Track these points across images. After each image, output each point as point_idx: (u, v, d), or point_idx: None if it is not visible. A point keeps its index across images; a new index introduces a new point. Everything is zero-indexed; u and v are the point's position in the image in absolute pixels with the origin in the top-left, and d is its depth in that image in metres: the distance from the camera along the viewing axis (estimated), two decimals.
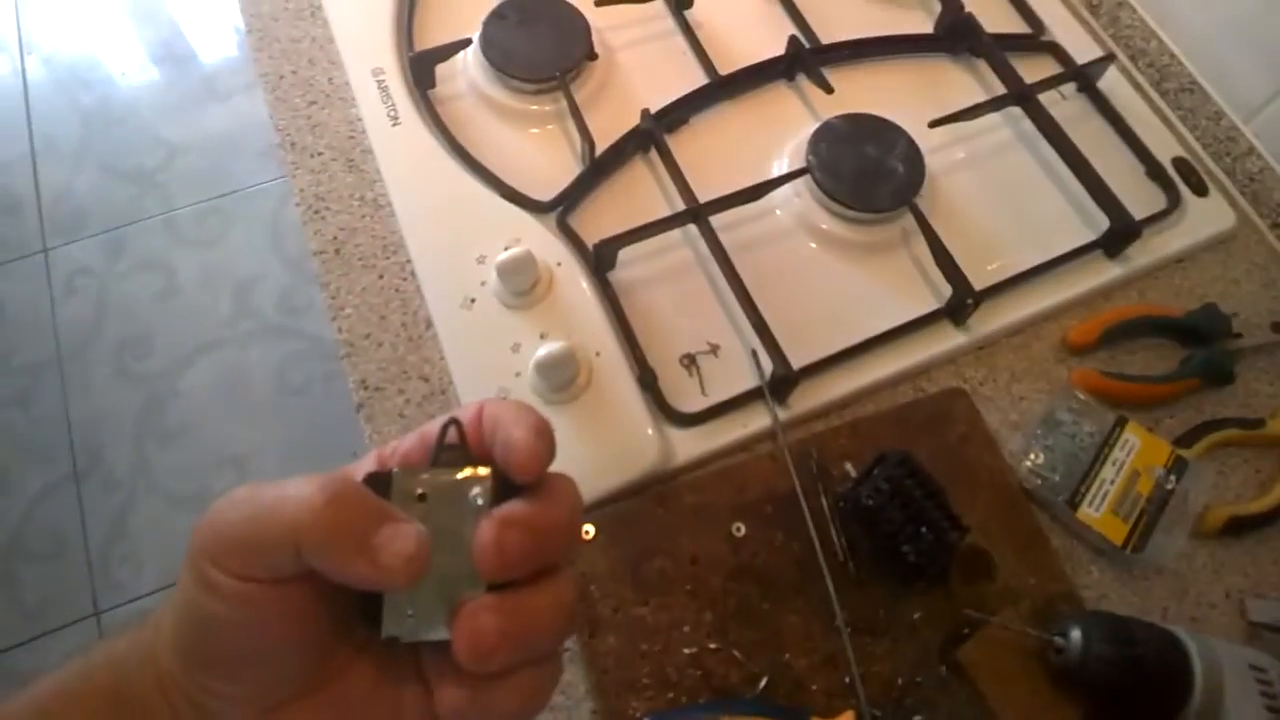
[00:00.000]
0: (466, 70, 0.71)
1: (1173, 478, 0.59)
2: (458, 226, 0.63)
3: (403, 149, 0.66)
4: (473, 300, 0.60)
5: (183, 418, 1.66)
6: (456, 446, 0.31)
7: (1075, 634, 0.50)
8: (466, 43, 0.70)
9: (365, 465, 0.32)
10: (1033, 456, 0.59)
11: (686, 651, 0.51)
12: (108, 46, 2.08)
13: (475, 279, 0.60)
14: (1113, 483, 0.58)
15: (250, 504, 0.28)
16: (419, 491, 0.30)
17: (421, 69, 0.69)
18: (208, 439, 1.64)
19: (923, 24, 0.78)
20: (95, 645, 0.31)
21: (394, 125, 0.67)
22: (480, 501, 0.29)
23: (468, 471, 0.30)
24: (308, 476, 0.28)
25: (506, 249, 0.58)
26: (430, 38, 0.71)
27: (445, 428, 0.31)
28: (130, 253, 1.82)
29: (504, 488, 0.30)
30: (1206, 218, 0.71)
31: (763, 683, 0.51)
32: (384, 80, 0.69)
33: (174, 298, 1.78)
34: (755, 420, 0.59)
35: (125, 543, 1.55)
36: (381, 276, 0.64)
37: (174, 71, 2.06)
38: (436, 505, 0.30)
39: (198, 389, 1.69)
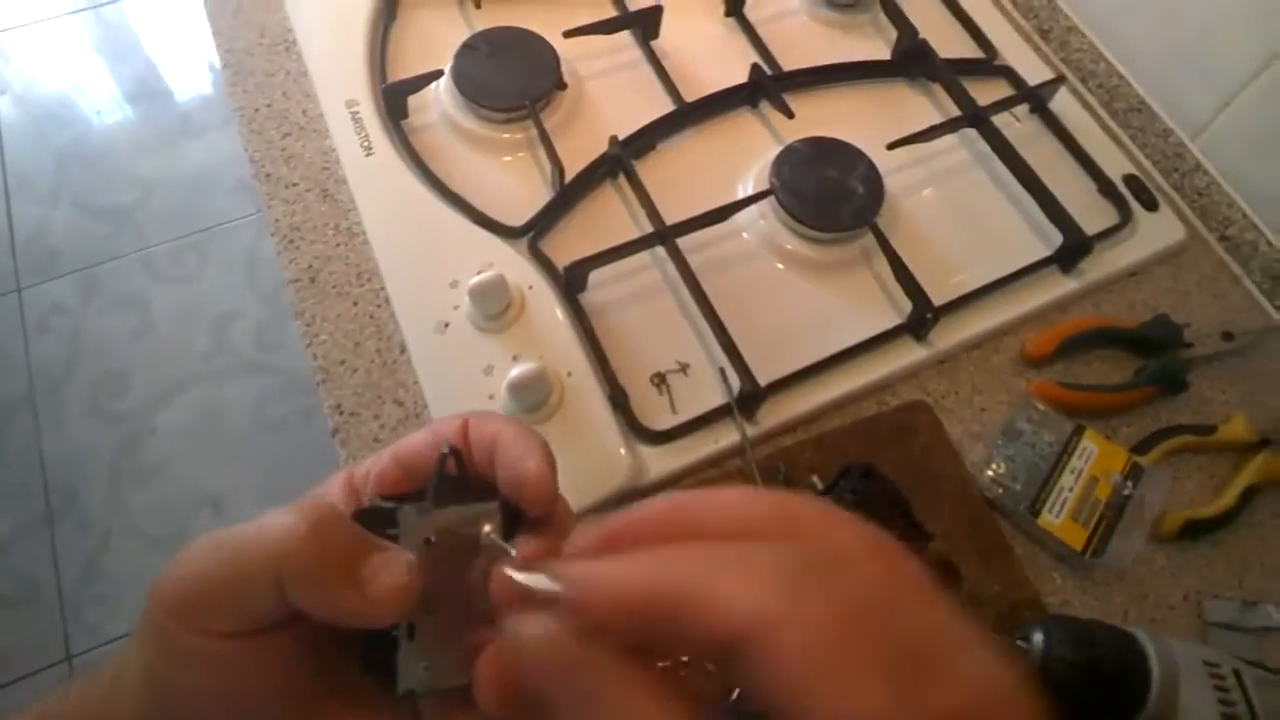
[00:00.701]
0: (438, 100, 0.72)
1: (1130, 484, 0.61)
2: (431, 253, 0.64)
3: (376, 178, 0.68)
4: (446, 324, 0.61)
5: (159, 456, 1.64)
6: (456, 478, 0.29)
7: (1037, 638, 0.52)
8: (438, 74, 0.72)
9: (334, 486, 0.31)
10: (994, 466, 0.61)
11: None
12: (82, 85, 2.09)
13: (448, 303, 0.62)
14: (1072, 490, 0.60)
15: (221, 547, 0.26)
16: (428, 538, 0.28)
17: (394, 100, 0.70)
18: (185, 477, 1.62)
19: (880, 51, 0.81)
20: (49, 696, 0.29)
21: (367, 155, 0.68)
22: (491, 538, 0.28)
23: (475, 506, 0.29)
24: (287, 506, 0.26)
25: (479, 273, 0.59)
26: (402, 69, 0.73)
27: (444, 459, 0.29)
28: (105, 290, 1.82)
29: (509, 516, 0.29)
30: (1157, 232, 0.73)
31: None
32: (357, 111, 0.70)
33: (149, 335, 1.77)
34: (724, 436, 0.60)
35: (100, 584, 1.53)
36: (356, 303, 0.65)
37: (149, 109, 2.07)
38: (446, 544, 0.28)
39: (174, 427, 1.68)
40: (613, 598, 0.22)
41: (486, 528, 0.29)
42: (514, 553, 0.28)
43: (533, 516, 0.29)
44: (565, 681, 0.22)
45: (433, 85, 0.72)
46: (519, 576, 0.25)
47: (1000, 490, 0.60)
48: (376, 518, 0.29)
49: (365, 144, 0.69)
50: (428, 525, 0.28)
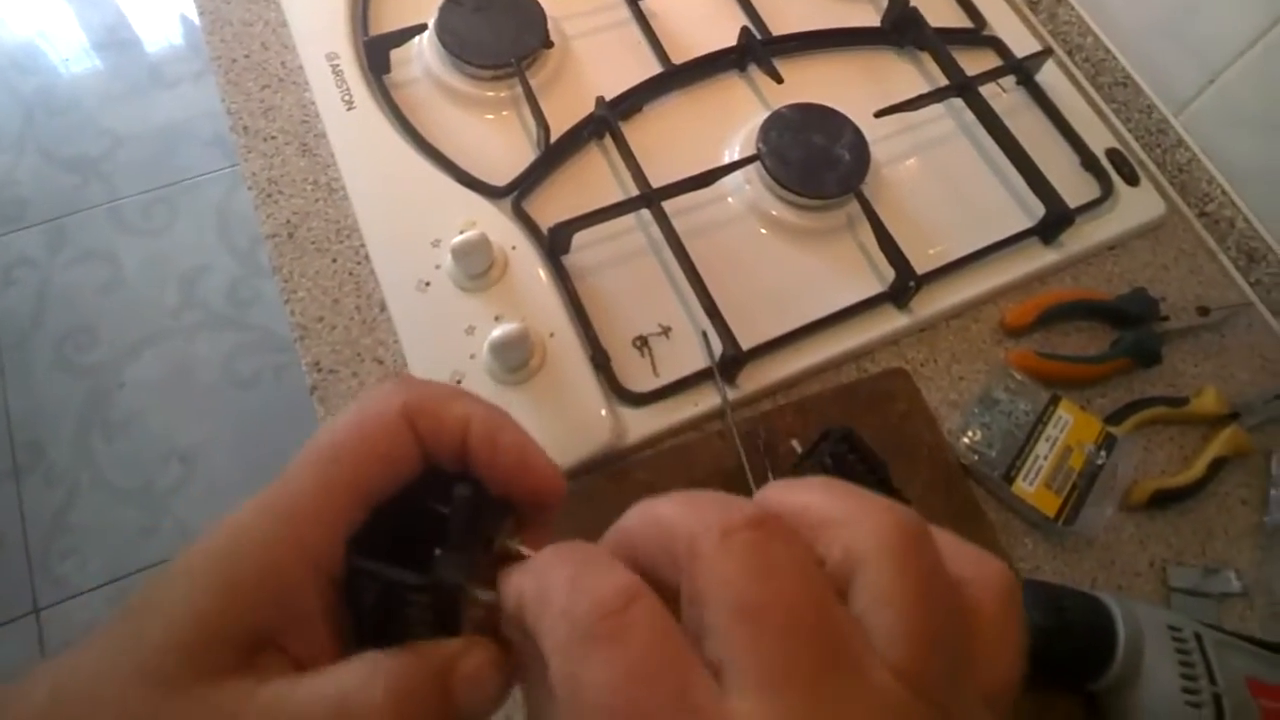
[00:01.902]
0: (422, 56, 0.71)
1: (1103, 453, 0.62)
2: (412, 210, 0.63)
3: (357, 134, 0.67)
4: (427, 283, 0.61)
5: (128, 410, 1.63)
6: (471, 501, 0.25)
7: None
8: (422, 28, 0.70)
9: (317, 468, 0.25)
10: (970, 433, 0.62)
11: None
12: (49, 32, 2.03)
13: (430, 262, 0.61)
14: (1046, 458, 0.61)
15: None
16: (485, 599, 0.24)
17: (376, 54, 0.69)
18: (154, 431, 1.61)
19: (870, 17, 0.80)
20: None
21: (349, 110, 0.67)
22: (513, 547, 0.26)
23: (502, 536, 0.25)
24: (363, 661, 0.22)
25: (461, 232, 0.59)
26: (385, 22, 0.71)
27: (465, 502, 0.25)
28: (73, 243, 1.79)
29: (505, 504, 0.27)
30: (1137, 206, 0.74)
31: None
32: (338, 65, 0.69)
33: (119, 289, 1.74)
34: (705, 400, 0.61)
35: (67, 538, 1.52)
36: (335, 260, 0.64)
37: (118, 59, 2.02)
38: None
39: (144, 381, 1.66)
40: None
41: (511, 543, 0.26)
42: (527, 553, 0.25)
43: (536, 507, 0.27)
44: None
45: (416, 39, 0.71)
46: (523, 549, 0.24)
47: (976, 457, 0.61)
48: (440, 598, 0.24)
49: (346, 98, 0.67)
50: (481, 592, 0.24)
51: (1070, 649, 0.52)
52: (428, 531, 0.24)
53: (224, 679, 0.22)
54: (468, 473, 0.26)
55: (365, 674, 0.22)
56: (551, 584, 0.21)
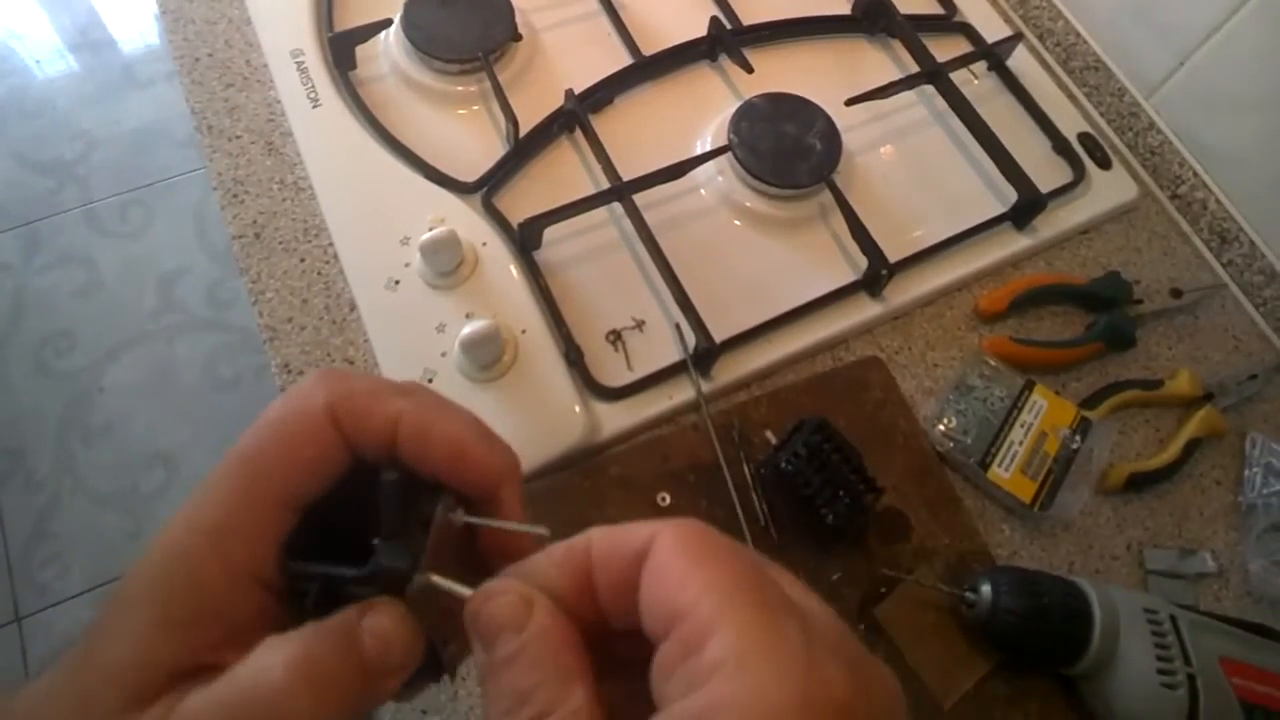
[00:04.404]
0: (388, 51, 0.70)
1: (1078, 438, 0.62)
2: (381, 208, 0.63)
3: (323, 131, 0.66)
4: (397, 282, 0.60)
5: (108, 414, 1.61)
6: (397, 486, 0.25)
7: (985, 588, 0.53)
8: (387, 23, 0.69)
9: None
10: (946, 421, 0.62)
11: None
12: (20, 33, 2.01)
13: (399, 260, 0.60)
14: (1021, 444, 0.61)
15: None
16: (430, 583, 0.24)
17: (341, 50, 0.68)
18: (135, 436, 1.60)
19: (840, 5, 0.80)
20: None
21: (314, 107, 0.66)
22: (460, 521, 0.26)
23: (438, 511, 0.25)
24: (269, 641, 0.23)
25: (430, 229, 0.58)
26: (350, 18, 0.70)
27: (392, 485, 0.25)
28: (48, 247, 1.77)
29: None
30: (1110, 190, 0.74)
31: None
32: (303, 62, 0.68)
33: (96, 292, 1.73)
34: (679, 393, 0.60)
35: (49, 544, 1.51)
36: (303, 260, 0.63)
37: (91, 60, 2.00)
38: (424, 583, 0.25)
39: (124, 385, 1.64)
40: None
41: (457, 516, 0.26)
42: (469, 593, 0.24)
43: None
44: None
45: (382, 35, 0.70)
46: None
47: (951, 444, 0.61)
48: (389, 582, 0.24)
49: (312, 96, 0.67)
50: (423, 582, 0.24)
51: (1047, 634, 0.52)
52: (365, 520, 0.24)
53: (151, 704, 0.22)
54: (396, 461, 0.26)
55: (265, 658, 0.22)
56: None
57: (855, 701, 0.19)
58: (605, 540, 0.23)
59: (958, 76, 0.74)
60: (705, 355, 0.60)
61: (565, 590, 0.23)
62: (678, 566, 0.22)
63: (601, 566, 0.23)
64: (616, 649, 0.23)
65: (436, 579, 0.24)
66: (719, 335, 0.60)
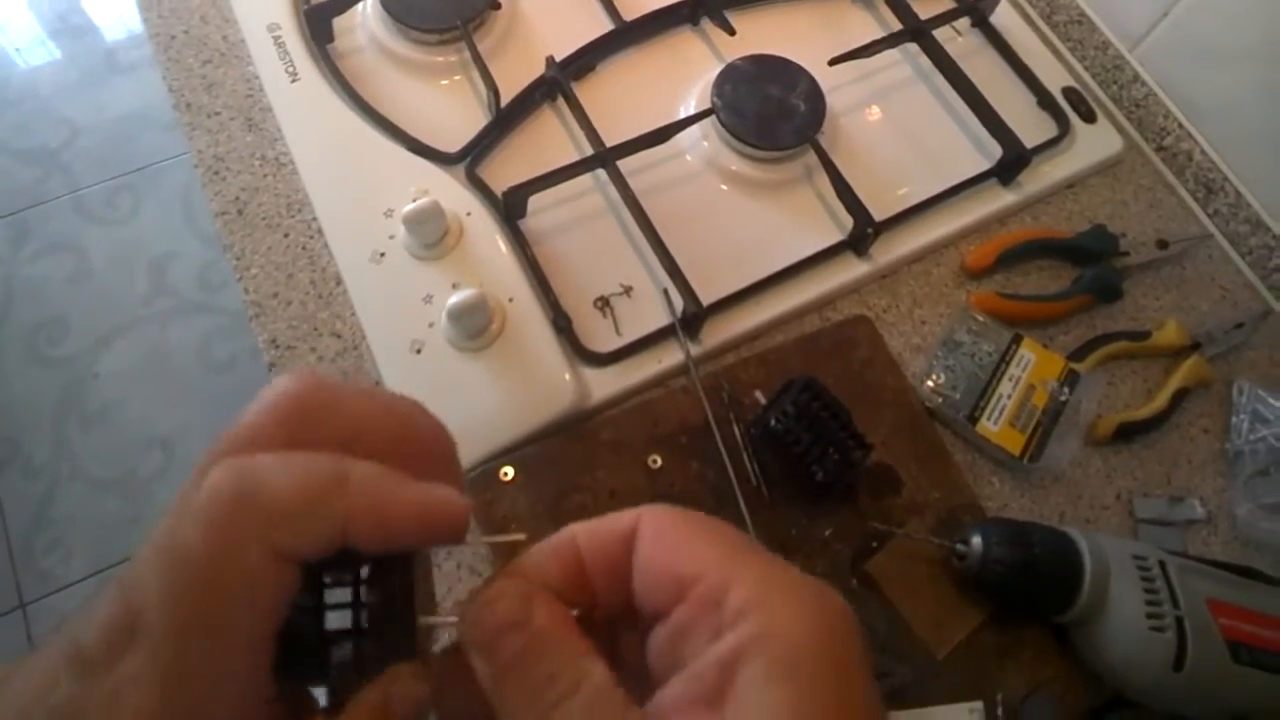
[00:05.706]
0: (366, 23, 0.70)
1: (1066, 389, 0.62)
2: (363, 181, 0.62)
3: (303, 106, 0.65)
4: (382, 254, 0.60)
5: (104, 400, 1.61)
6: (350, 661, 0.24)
7: (975, 540, 0.53)
8: None
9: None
10: (934, 377, 0.62)
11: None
12: (0, 21, 1.99)
13: (384, 233, 0.60)
14: (1010, 397, 0.61)
15: None
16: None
17: (318, 23, 0.68)
18: (131, 421, 1.60)
19: None
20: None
21: (293, 82, 0.66)
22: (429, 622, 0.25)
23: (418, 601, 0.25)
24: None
25: (414, 201, 0.58)
26: None
27: (340, 666, 0.24)
28: (37, 235, 1.76)
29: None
30: (1095, 144, 0.74)
31: None
32: (280, 36, 0.67)
33: (87, 279, 1.72)
34: (668, 356, 0.60)
35: (50, 530, 1.51)
36: (287, 235, 0.63)
37: (72, 46, 1.98)
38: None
39: (118, 370, 1.64)
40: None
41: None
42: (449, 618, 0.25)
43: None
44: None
45: (359, 6, 0.69)
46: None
47: (940, 400, 0.61)
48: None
49: (290, 70, 0.66)
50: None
51: (1039, 583, 0.52)
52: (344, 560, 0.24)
53: None
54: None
55: None
56: None
57: (846, 609, 0.23)
58: (588, 531, 0.25)
59: (941, 34, 0.74)
60: (693, 319, 0.60)
61: (559, 581, 0.25)
62: (670, 541, 0.24)
63: (590, 554, 0.25)
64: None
65: (431, 620, 0.25)
66: (706, 298, 0.60)
